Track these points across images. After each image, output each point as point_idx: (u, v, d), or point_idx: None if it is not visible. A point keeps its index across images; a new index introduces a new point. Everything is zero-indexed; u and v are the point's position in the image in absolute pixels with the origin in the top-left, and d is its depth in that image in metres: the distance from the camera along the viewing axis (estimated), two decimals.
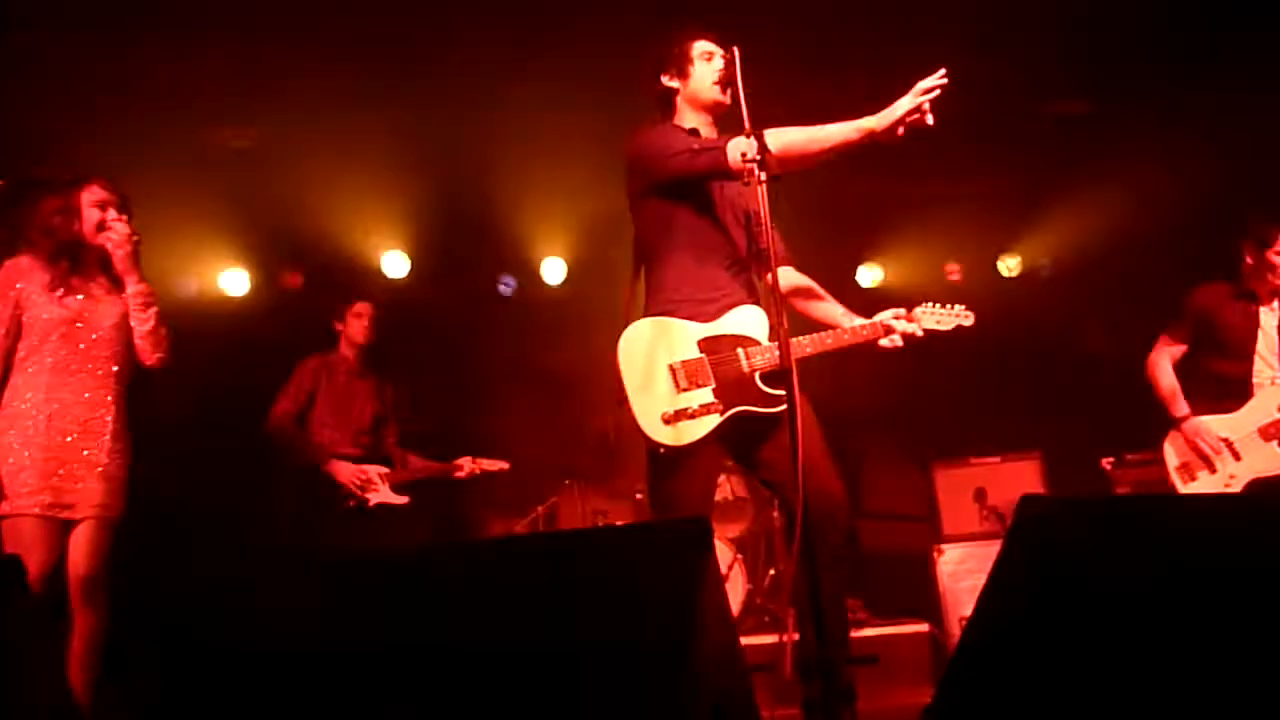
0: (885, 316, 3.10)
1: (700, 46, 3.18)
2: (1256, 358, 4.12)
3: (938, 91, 2.69)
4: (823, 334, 3.05)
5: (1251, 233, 4.17)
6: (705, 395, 2.91)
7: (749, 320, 3.02)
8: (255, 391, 4.96)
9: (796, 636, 4.12)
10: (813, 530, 2.72)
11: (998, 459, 5.57)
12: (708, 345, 2.97)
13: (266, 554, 4.94)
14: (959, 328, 3.19)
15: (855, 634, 4.68)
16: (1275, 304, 4.16)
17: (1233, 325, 4.17)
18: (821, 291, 3.27)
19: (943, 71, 2.69)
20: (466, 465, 5.08)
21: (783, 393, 2.89)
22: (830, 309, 3.23)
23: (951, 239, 6.62)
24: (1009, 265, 6.64)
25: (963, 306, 3.20)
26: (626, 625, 1.60)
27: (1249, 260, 4.17)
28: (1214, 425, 4.07)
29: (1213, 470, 4.01)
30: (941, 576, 5.15)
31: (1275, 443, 4.00)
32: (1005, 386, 5.83)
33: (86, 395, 3.29)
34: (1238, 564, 1.66)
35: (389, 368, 5.20)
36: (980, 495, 5.42)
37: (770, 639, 4.51)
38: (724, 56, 3.08)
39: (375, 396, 5.03)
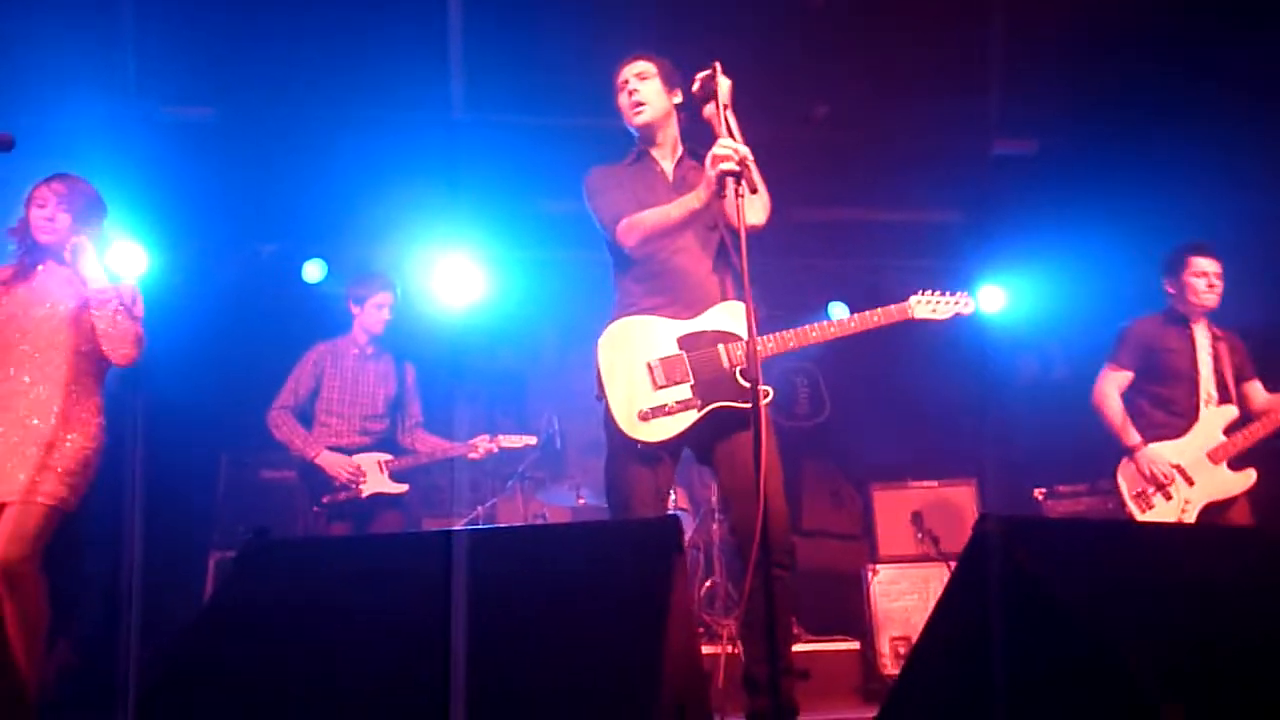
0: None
1: (619, 79, 3.20)
2: (1200, 380, 4.25)
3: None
4: (784, 333, 3.04)
5: (1165, 265, 4.42)
6: (683, 392, 2.94)
7: (730, 316, 3.03)
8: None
9: (733, 649, 4.12)
10: (750, 544, 2.68)
11: (935, 483, 5.71)
12: (688, 342, 3.00)
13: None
14: (957, 315, 3.27)
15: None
16: (1203, 322, 4.37)
17: (1173, 349, 4.32)
18: None
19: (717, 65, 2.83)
20: (482, 445, 4.93)
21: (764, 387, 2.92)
22: None
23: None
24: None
25: (964, 294, 3.29)
26: (599, 620, 1.62)
27: (1170, 290, 4.40)
28: (1165, 452, 4.17)
29: (1168, 497, 4.11)
30: (874, 596, 5.23)
31: (1224, 464, 4.13)
32: (946, 413, 5.95)
33: (26, 381, 3.28)
34: (1180, 583, 1.74)
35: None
36: (917, 518, 5.53)
37: (708, 650, 4.54)
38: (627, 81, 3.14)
39: (390, 377, 4.91)
